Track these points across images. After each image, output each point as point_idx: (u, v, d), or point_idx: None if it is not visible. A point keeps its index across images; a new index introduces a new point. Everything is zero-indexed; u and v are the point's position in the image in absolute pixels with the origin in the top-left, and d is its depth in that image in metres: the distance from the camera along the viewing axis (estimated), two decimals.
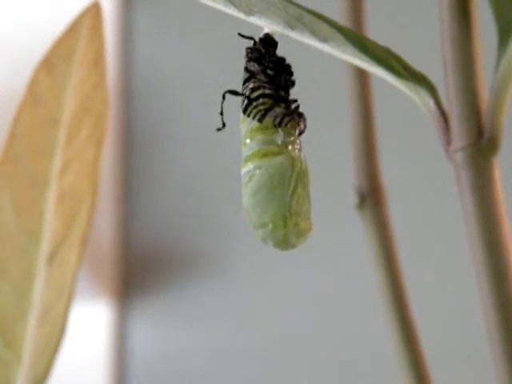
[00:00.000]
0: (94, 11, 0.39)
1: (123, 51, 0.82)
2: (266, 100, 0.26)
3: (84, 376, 0.80)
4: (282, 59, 0.27)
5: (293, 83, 0.27)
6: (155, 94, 0.82)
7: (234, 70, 0.27)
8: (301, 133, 0.27)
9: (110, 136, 0.79)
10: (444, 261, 0.65)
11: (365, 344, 0.68)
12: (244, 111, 0.26)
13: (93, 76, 0.39)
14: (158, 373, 0.79)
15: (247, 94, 0.26)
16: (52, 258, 0.38)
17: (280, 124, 0.26)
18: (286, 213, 0.26)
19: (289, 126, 0.26)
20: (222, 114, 0.27)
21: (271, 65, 0.26)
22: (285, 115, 0.26)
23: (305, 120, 0.26)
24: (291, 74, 0.27)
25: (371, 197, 0.36)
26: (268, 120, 0.26)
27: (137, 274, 0.80)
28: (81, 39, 0.39)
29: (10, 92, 0.66)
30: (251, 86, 0.26)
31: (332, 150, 0.67)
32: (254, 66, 0.26)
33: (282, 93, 0.26)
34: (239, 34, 0.26)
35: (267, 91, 0.26)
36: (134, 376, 0.79)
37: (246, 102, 0.26)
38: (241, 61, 0.27)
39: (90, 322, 0.80)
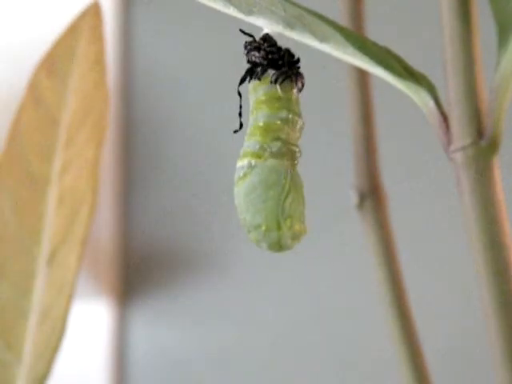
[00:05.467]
0: (94, 11, 0.39)
1: (123, 51, 0.82)
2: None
3: (84, 376, 0.80)
4: (280, 47, 0.27)
5: (296, 61, 0.27)
6: (155, 94, 0.82)
7: (233, 69, 0.28)
8: (299, 90, 0.27)
9: (109, 136, 0.79)
10: (444, 260, 0.65)
11: (365, 344, 0.68)
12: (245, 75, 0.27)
13: (93, 76, 0.39)
14: (157, 372, 0.79)
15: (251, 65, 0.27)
16: (52, 258, 0.38)
17: (276, 81, 0.26)
18: (280, 215, 0.26)
19: (289, 91, 0.26)
20: (240, 115, 0.27)
21: (271, 49, 0.26)
22: (281, 73, 0.26)
23: (302, 78, 0.27)
24: (292, 55, 0.27)
25: (371, 197, 0.36)
26: (268, 87, 0.26)
27: (137, 274, 0.80)
28: (81, 39, 0.39)
29: (10, 92, 0.66)
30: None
31: (332, 149, 0.67)
32: (255, 55, 0.27)
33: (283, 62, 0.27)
34: (240, 30, 0.27)
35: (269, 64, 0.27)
36: (133, 375, 0.79)
37: (248, 68, 0.27)
38: (241, 61, 0.27)
39: (90, 322, 0.80)
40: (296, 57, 0.27)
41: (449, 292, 0.65)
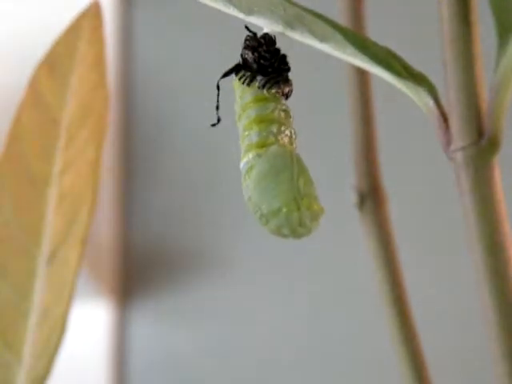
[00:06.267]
0: (94, 11, 0.39)
1: (123, 51, 0.82)
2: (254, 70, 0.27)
3: (84, 376, 0.80)
4: (278, 49, 0.27)
5: (287, 69, 0.27)
6: (155, 94, 0.82)
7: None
8: (286, 96, 0.27)
9: (110, 136, 0.79)
10: (444, 261, 0.65)
11: (364, 344, 0.68)
12: (234, 73, 0.27)
13: (93, 76, 0.39)
14: (157, 373, 0.79)
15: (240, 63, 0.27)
16: (52, 257, 0.38)
17: (264, 86, 0.26)
18: (297, 195, 0.25)
19: (274, 90, 0.27)
20: (217, 108, 0.27)
21: (265, 54, 0.27)
22: (269, 78, 0.26)
23: (290, 85, 0.27)
24: (285, 62, 0.27)
25: (371, 197, 0.36)
26: (258, 91, 0.27)
27: (137, 274, 0.80)
28: (81, 39, 0.39)
29: (10, 92, 0.66)
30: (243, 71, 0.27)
31: (332, 149, 0.67)
32: (248, 55, 0.27)
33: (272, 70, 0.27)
34: (246, 27, 0.27)
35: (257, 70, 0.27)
36: (134, 376, 0.79)
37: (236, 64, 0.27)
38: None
39: (90, 322, 0.80)
40: (287, 64, 0.27)
41: (449, 292, 0.65)
